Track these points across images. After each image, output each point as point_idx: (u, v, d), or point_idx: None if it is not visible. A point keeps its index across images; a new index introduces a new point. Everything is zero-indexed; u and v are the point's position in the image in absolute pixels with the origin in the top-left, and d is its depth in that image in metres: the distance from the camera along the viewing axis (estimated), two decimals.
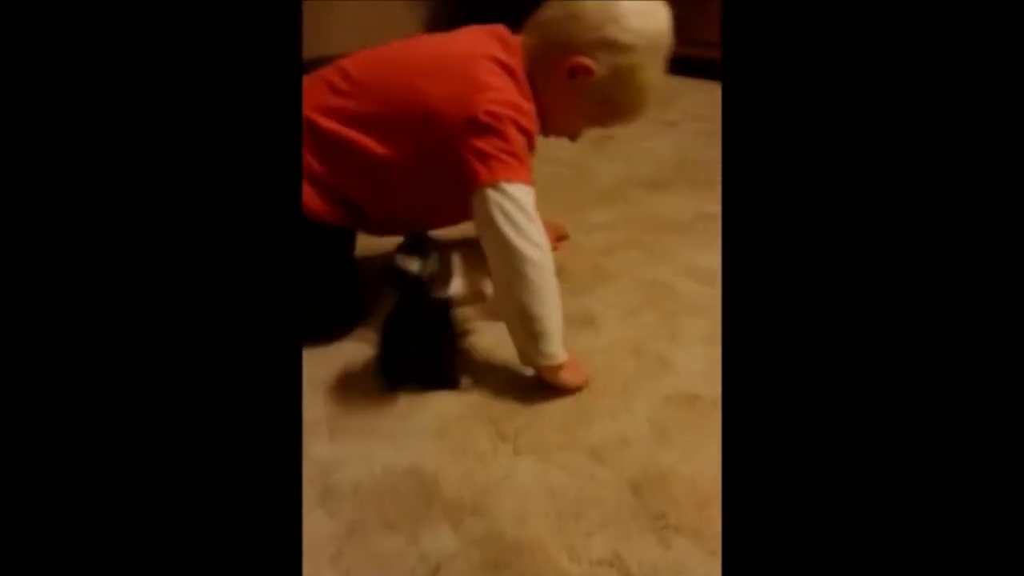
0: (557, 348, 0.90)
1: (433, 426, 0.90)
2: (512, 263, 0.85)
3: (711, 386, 0.96)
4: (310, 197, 0.95)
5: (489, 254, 0.88)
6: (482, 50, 0.95)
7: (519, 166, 0.87)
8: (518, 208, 0.85)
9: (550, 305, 0.88)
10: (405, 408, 0.93)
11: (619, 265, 1.26)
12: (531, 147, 0.94)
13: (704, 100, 2.13)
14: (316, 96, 0.96)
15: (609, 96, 0.98)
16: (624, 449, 0.86)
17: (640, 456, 0.84)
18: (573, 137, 1.09)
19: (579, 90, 0.97)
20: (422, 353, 0.93)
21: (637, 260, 1.28)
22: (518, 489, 0.80)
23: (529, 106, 0.94)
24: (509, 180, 0.85)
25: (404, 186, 0.97)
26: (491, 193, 0.85)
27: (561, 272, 1.21)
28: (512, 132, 0.88)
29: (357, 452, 0.85)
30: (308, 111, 0.95)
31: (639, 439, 0.87)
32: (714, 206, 1.49)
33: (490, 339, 1.05)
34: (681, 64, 2.18)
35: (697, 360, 1.02)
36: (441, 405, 0.93)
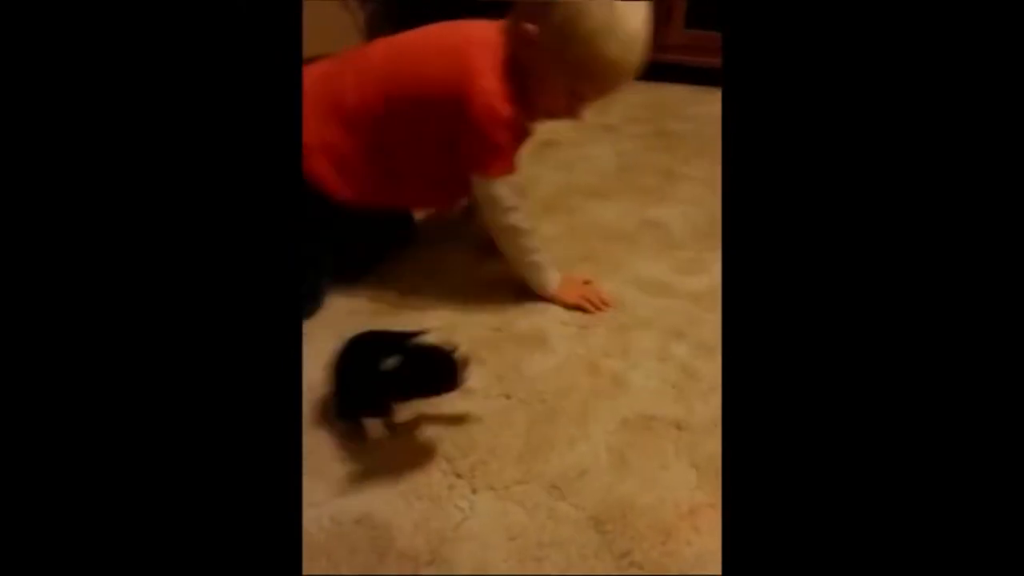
0: (543, 279, 1.15)
1: (384, 468, 0.85)
2: (497, 230, 1.11)
3: (666, 405, 0.95)
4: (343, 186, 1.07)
5: (487, 225, 1.12)
6: (478, 36, 1.02)
7: (503, 160, 1.04)
8: (500, 197, 1.06)
9: (527, 253, 1.13)
10: (352, 449, 0.88)
11: None
12: (521, 132, 1.07)
13: (640, 103, 2.13)
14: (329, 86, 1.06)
15: (562, 56, 0.96)
16: (583, 481, 0.83)
17: (600, 488, 0.82)
18: (569, 114, 1.05)
19: (539, 58, 0.98)
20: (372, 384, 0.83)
21: (586, 273, 1.26)
22: (476, 533, 0.76)
23: (509, 91, 0.99)
24: (493, 175, 1.04)
25: (410, 165, 1.10)
26: (481, 183, 1.05)
27: (511, 289, 1.19)
28: (498, 129, 1.00)
29: (303, 499, 0.80)
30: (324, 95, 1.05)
31: (598, 469, 0.85)
32: (657, 212, 1.49)
33: None
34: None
35: (651, 377, 1.00)
36: (392, 444, 0.88)
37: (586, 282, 1.19)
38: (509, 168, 1.05)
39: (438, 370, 0.80)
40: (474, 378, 0.98)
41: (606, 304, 1.16)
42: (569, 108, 1.05)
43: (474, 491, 0.81)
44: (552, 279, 1.16)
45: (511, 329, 1.10)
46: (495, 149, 1.02)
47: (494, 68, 0.99)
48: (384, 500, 0.80)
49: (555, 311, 1.15)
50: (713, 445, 0.88)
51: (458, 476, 0.83)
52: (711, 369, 1.01)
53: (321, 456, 0.86)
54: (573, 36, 0.94)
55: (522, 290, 1.19)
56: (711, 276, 1.24)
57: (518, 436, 0.89)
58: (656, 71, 2.14)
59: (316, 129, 1.04)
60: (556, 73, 0.99)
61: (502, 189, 1.05)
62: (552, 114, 1.08)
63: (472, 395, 0.96)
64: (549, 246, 1.33)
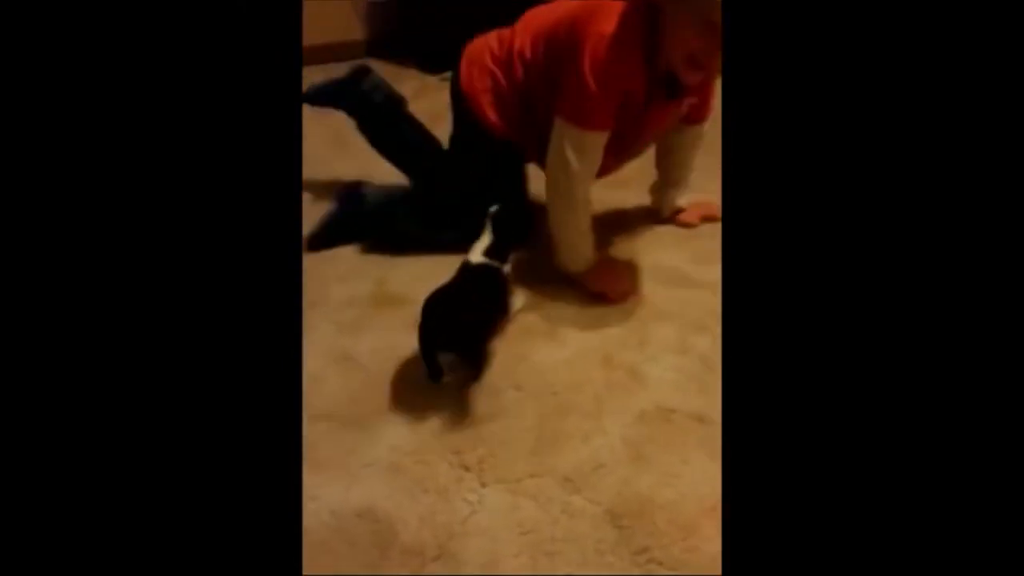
0: (576, 255, 1.10)
1: (387, 459, 0.80)
2: (553, 185, 1.07)
3: (686, 398, 0.90)
4: (492, 112, 1.15)
5: (546, 178, 1.09)
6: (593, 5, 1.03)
7: (592, 113, 1.01)
8: (573, 147, 1.02)
9: (572, 222, 1.07)
10: (354, 438, 0.83)
11: None
12: (640, 93, 1.04)
13: None
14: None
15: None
16: (599, 474, 0.78)
17: (617, 482, 0.77)
18: (705, 54, 0.97)
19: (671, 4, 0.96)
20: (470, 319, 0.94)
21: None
22: (485, 527, 0.72)
23: (628, 47, 0.98)
24: (575, 122, 1.01)
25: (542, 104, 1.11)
26: (560, 126, 1.03)
27: (519, 279, 1.14)
28: (597, 75, 0.97)
29: (302, 493, 0.76)
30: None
31: (614, 462, 0.80)
32: (680, 199, 1.44)
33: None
34: None
35: (668, 370, 0.96)
36: (394, 434, 0.84)
37: (617, 269, 1.14)
38: (594, 123, 1.01)
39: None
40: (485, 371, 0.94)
41: (629, 295, 1.11)
42: (705, 46, 0.96)
43: (483, 484, 0.77)
44: (585, 258, 1.10)
45: (520, 320, 1.06)
46: (588, 95, 0.98)
47: (617, 21, 0.98)
48: (387, 493, 0.76)
49: (565, 302, 1.10)
50: None
51: (466, 469, 0.79)
52: None
53: (321, 449, 0.82)
54: None
55: (530, 279, 1.14)
56: None
57: (529, 429, 0.85)
58: None
59: (480, 76, 1.17)
60: (686, 16, 0.94)
61: (577, 142, 1.02)
62: (687, 59, 0.99)
63: (481, 386, 0.92)
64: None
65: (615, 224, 1.35)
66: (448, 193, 1.22)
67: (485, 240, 1.02)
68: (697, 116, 1.22)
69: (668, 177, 1.33)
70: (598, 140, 1.03)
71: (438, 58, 2.13)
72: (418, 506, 0.74)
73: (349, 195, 1.28)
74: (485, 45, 1.18)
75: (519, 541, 0.70)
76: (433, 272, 1.16)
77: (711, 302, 1.09)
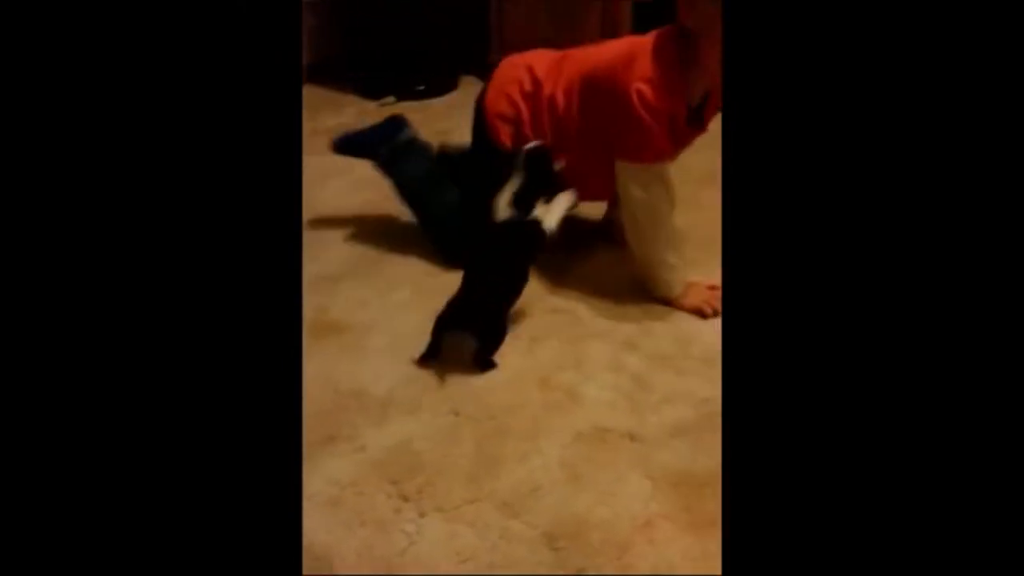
0: (671, 280, 1.14)
1: (325, 492, 0.80)
2: (631, 220, 1.14)
3: (621, 417, 0.93)
4: (508, 140, 1.20)
5: (624, 214, 1.16)
6: (649, 39, 1.10)
7: (652, 147, 1.07)
8: (643, 183, 1.10)
9: (660, 250, 1.12)
10: None
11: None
12: (682, 117, 1.10)
13: None
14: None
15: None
16: (536, 497, 0.80)
17: (553, 503, 0.79)
18: None
19: (708, 18, 1.00)
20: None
21: (535, 285, 1.23)
22: (424, 558, 0.72)
23: (668, 80, 1.05)
24: (639, 159, 1.09)
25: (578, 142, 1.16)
26: (624, 168, 1.11)
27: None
28: (648, 112, 1.04)
29: None
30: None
31: (551, 484, 0.82)
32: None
33: (389, 382, 0.97)
34: None
35: (605, 389, 0.98)
36: (333, 466, 0.84)
37: (711, 287, 1.16)
38: (655, 155, 1.08)
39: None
40: (424, 397, 0.95)
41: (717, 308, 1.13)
42: None
43: (422, 514, 0.77)
44: (679, 282, 1.15)
45: (459, 344, 1.07)
46: (644, 133, 1.05)
47: (655, 59, 1.05)
48: (326, 527, 0.75)
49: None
50: (666, 455, 0.86)
51: (404, 499, 0.79)
52: (663, 379, 1.00)
53: None
54: None
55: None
56: None
57: (467, 455, 0.86)
58: None
59: (506, 105, 1.21)
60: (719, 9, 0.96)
61: (645, 177, 1.09)
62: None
63: (418, 413, 0.92)
64: None
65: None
66: (472, 189, 1.22)
67: (514, 183, 1.07)
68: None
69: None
70: (664, 170, 1.11)
71: (377, 84, 2.14)
72: (355, 540, 0.74)
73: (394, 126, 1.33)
74: (515, 77, 1.22)
75: (458, 570, 0.71)
76: (375, 298, 1.17)
77: (642, 320, 1.13)
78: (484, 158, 1.25)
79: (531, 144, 1.11)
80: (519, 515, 0.78)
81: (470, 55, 2.26)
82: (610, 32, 2.04)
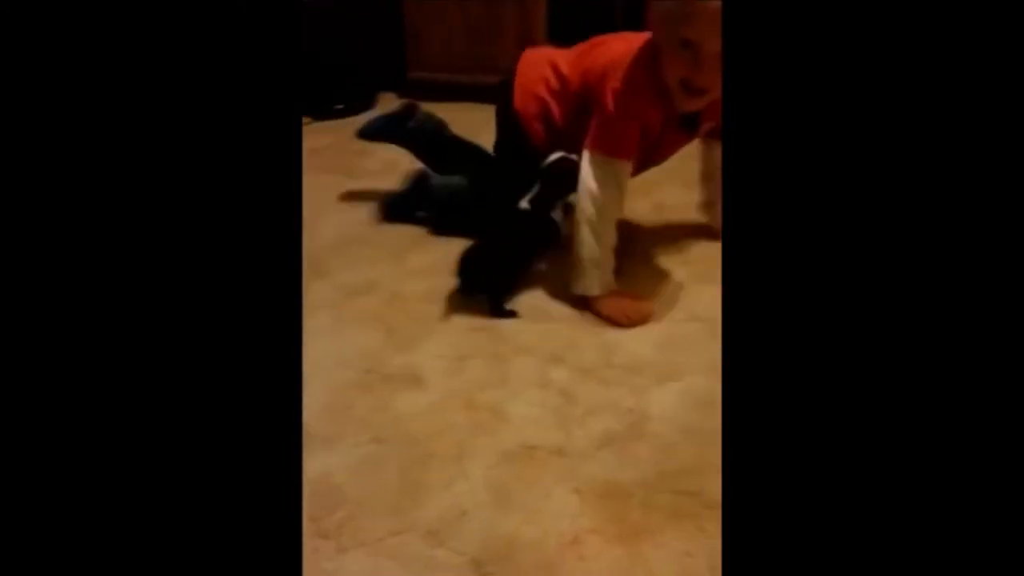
0: (590, 280, 1.15)
1: None
2: (578, 210, 1.15)
3: (547, 432, 0.92)
4: (542, 134, 1.31)
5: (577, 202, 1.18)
6: (639, 41, 1.14)
7: (615, 143, 1.12)
8: (600, 175, 1.13)
9: (592, 247, 1.14)
10: None
11: (444, 311, 1.20)
12: (658, 122, 1.15)
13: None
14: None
15: (664, 5, 1.04)
16: (462, 522, 0.78)
17: (480, 527, 0.77)
18: (695, 79, 1.06)
19: (656, 20, 1.07)
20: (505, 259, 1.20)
21: (461, 303, 1.22)
22: None
23: (645, 85, 1.10)
24: (598, 150, 1.13)
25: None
26: (588, 155, 1.14)
27: (384, 327, 1.13)
28: (617, 108, 1.10)
29: None
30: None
31: (478, 507, 0.80)
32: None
33: (306, 413, 0.93)
34: (484, 93, 2.21)
35: (531, 405, 0.97)
36: None
37: (634, 298, 1.18)
38: (612, 149, 1.12)
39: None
40: (343, 426, 0.91)
41: (644, 321, 1.15)
42: (691, 68, 1.04)
43: (342, 551, 0.74)
44: (598, 285, 1.15)
45: (382, 369, 1.04)
46: (609, 125, 1.11)
47: (633, 62, 1.11)
48: None
49: (429, 346, 1.10)
50: (593, 468, 0.86)
51: (324, 537, 0.76)
52: (588, 391, 1.00)
53: None
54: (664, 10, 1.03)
55: (394, 327, 1.13)
56: (584, 299, 1.24)
57: (390, 484, 0.83)
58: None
59: (534, 103, 1.31)
60: (665, 25, 1.05)
61: (603, 170, 1.12)
62: (680, 86, 1.08)
63: (338, 444, 0.89)
64: (419, 279, 1.29)
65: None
66: (499, 193, 1.32)
67: (536, 190, 1.22)
68: (718, 134, 1.30)
69: (716, 194, 1.39)
70: (622, 168, 1.14)
71: (323, 104, 2.09)
72: None
73: (417, 179, 1.48)
74: (541, 75, 1.31)
75: None
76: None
77: (567, 333, 1.13)
78: (513, 158, 1.34)
79: (555, 156, 1.22)
80: (445, 543, 0.75)
81: (387, 73, 2.24)
82: (528, 44, 2.07)
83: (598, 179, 1.13)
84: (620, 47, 1.19)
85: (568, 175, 1.19)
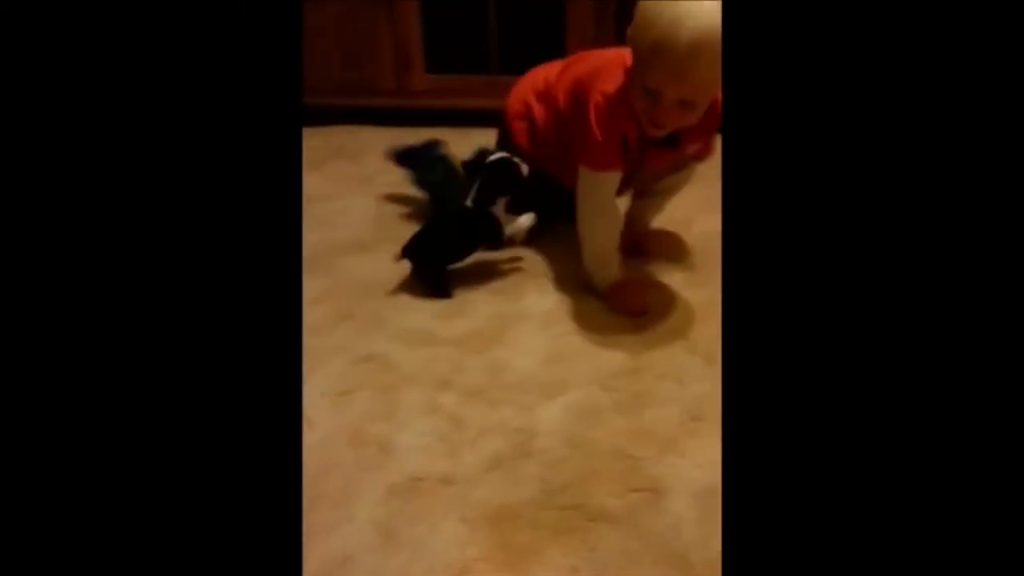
0: (606, 275, 1.27)
1: None
2: (582, 218, 1.26)
3: (435, 461, 0.92)
4: (523, 137, 1.42)
5: (577, 212, 1.27)
6: (617, 57, 1.18)
7: (598, 158, 1.19)
8: (591, 187, 1.23)
9: (591, 246, 1.27)
10: None
11: (331, 344, 1.17)
12: (631, 138, 1.18)
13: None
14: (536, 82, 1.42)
15: (632, 47, 1.07)
16: (348, 568, 0.76)
17: (367, 571, 0.76)
18: (654, 117, 1.10)
19: (634, 60, 1.10)
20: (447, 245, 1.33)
21: (349, 334, 1.20)
22: None
23: (621, 101, 1.14)
24: (590, 166, 1.20)
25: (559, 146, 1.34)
26: (580, 170, 1.22)
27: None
28: (600, 126, 1.16)
29: None
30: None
31: (363, 551, 0.78)
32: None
33: None
34: (366, 115, 2.18)
35: (419, 435, 0.97)
36: None
37: (634, 289, 1.28)
38: (595, 163, 1.19)
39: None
40: None
41: (642, 312, 1.23)
42: (650, 109, 1.09)
43: None
44: (606, 280, 1.26)
45: None
46: (595, 144, 1.16)
47: (615, 77, 1.16)
48: None
49: (314, 382, 1.07)
50: (481, 493, 0.86)
51: None
52: (477, 414, 1.00)
53: None
54: (633, 23, 1.06)
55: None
56: (470, 319, 1.24)
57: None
58: (401, 117, 2.18)
59: (519, 105, 1.42)
60: (632, 63, 1.10)
61: (592, 182, 1.21)
62: (649, 118, 1.12)
63: None
64: (308, 310, 1.26)
65: (356, 292, 1.35)
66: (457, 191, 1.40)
67: (477, 185, 1.30)
68: (700, 156, 1.35)
69: (654, 203, 1.47)
70: (610, 179, 1.21)
71: None
72: None
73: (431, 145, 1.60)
74: (532, 79, 1.42)
75: None
76: None
77: (455, 356, 1.13)
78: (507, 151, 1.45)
79: (496, 155, 1.31)
80: None
81: None
82: (404, 69, 2.06)
83: (590, 189, 1.22)
84: (607, 57, 1.24)
85: (508, 174, 1.30)
